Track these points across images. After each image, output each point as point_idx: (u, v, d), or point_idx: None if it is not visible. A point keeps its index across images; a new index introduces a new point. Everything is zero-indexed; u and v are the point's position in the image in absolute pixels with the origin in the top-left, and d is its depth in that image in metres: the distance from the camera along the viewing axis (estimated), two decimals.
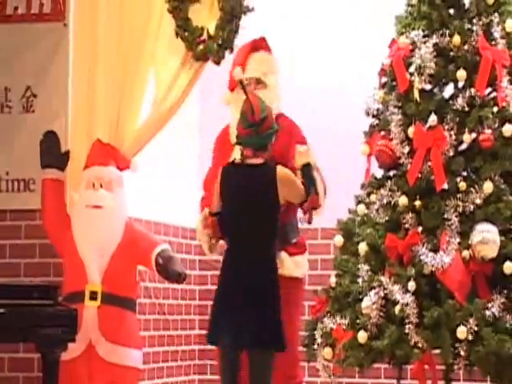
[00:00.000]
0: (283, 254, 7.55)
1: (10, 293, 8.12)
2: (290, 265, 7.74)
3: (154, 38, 8.94)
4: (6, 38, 9.42)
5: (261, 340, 7.88)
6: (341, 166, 9.78)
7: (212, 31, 8.77)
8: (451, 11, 9.03)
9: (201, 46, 8.71)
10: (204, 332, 9.82)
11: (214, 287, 8.72)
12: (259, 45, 7.47)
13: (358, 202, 9.09)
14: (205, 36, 8.74)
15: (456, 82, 8.89)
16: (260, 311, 7.89)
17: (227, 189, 8.02)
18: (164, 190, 9.34)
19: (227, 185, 7.97)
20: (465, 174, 8.76)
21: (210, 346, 9.50)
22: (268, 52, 7.63)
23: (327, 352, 8.63)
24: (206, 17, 8.79)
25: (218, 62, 8.38)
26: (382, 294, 8.39)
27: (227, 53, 8.34)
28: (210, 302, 9.09)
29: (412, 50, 9.03)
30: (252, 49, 7.36)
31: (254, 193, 7.98)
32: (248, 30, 8.60)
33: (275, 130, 7.92)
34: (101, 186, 8.18)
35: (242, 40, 8.50)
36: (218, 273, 8.55)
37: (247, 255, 7.96)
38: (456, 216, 8.61)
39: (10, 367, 9.26)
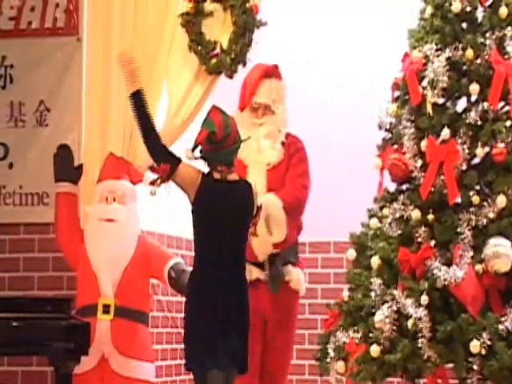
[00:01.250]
0: (299, 270, 7.39)
1: (24, 306, 8.11)
2: (302, 281, 7.57)
3: (167, 52, 8.94)
4: (20, 52, 9.45)
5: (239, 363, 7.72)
6: (354, 180, 9.72)
7: (225, 45, 8.73)
8: (464, 25, 9.04)
9: (214, 60, 8.68)
10: None
11: None
12: (272, 72, 7.53)
13: (371, 216, 9.11)
14: (218, 50, 8.71)
15: (469, 95, 8.86)
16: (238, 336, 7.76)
17: (208, 202, 7.83)
18: (176, 203, 9.28)
19: (208, 198, 7.79)
20: (478, 187, 8.71)
21: None
22: (279, 79, 7.67)
23: (340, 366, 8.65)
24: (219, 31, 8.78)
25: (231, 76, 8.38)
26: (395, 308, 8.40)
27: (240, 67, 8.27)
28: None
29: (425, 64, 9.04)
30: (264, 75, 7.42)
31: (235, 209, 7.86)
32: (262, 44, 8.54)
33: (239, 145, 7.81)
34: (114, 200, 8.19)
35: (255, 54, 8.43)
36: None
37: (226, 272, 7.74)
38: (469, 230, 8.59)
39: (24, 380, 9.22)
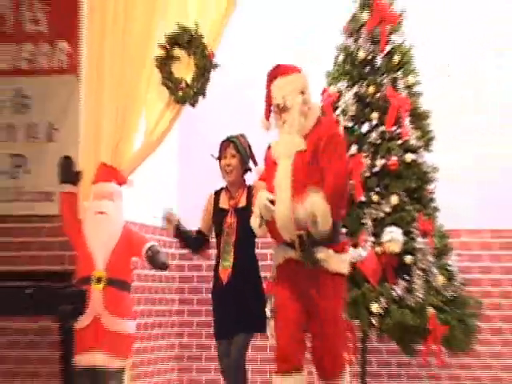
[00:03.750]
0: (331, 252, 6.44)
1: (36, 278, 8.26)
2: (337, 262, 6.58)
3: (146, 86, 9.11)
4: (35, 86, 9.52)
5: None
6: None
7: (189, 81, 8.90)
8: (367, 69, 9.55)
9: (180, 93, 8.83)
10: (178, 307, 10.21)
11: (191, 274, 8.83)
12: (274, 73, 6.68)
13: None
14: (183, 85, 8.85)
15: (370, 121, 9.45)
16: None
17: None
18: (152, 199, 9.44)
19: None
20: (377, 189, 9.26)
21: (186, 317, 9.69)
22: (283, 75, 6.64)
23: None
24: (184, 71, 8.93)
25: (193, 105, 8.67)
26: None
27: (201, 98, 8.46)
28: (187, 285, 9.21)
29: (338, 97, 9.43)
30: (270, 80, 6.68)
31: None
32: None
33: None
34: (104, 197, 8.29)
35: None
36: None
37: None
38: (370, 221, 9.19)
39: (37, 334, 9.38)
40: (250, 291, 6.91)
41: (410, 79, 9.33)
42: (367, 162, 9.12)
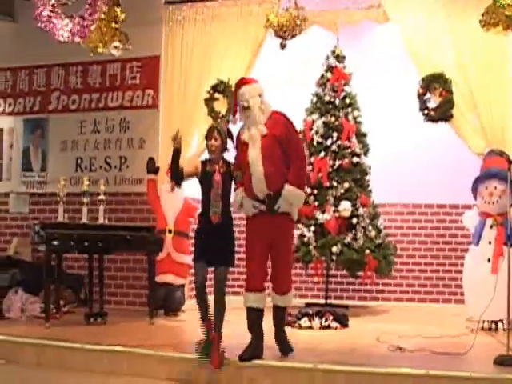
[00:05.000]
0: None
1: (134, 230, 8.26)
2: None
3: (198, 116, 9.11)
4: (133, 115, 9.58)
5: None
6: None
7: (224, 113, 8.88)
8: (330, 106, 9.38)
9: (219, 120, 8.79)
10: None
11: None
12: (239, 84, 6.13)
13: None
14: (220, 115, 8.84)
15: (332, 137, 9.29)
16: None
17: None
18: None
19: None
20: (336, 179, 9.17)
21: None
22: (245, 85, 6.06)
23: None
24: (221, 107, 8.89)
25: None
26: (300, 232, 8.74)
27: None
28: None
29: (312, 123, 9.40)
30: (237, 88, 6.12)
31: None
32: None
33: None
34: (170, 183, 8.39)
35: None
36: None
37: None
38: (332, 197, 9.06)
39: (134, 263, 9.38)
40: (229, 231, 6.18)
41: (356, 113, 9.31)
42: (330, 162, 9.09)
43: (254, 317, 6.04)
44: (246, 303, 6.05)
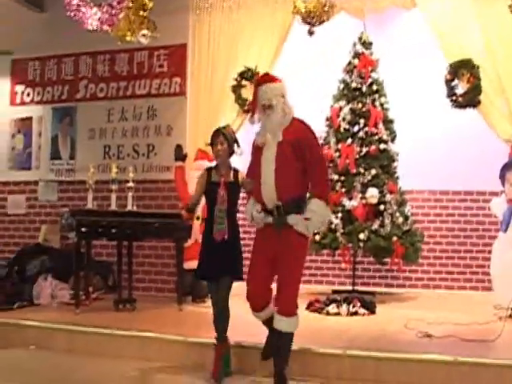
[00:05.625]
0: (299, 218, 5.42)
1: (162, 216, 8.27)
2: (303, 226, 5.45)
3: (225, 103, 9.08)
4: (162, 103, 9.60)
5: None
6: None
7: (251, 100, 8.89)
8: (357, 93, 9.32)
9: (246, 107, 8.76)
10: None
11: None
12: (262, 80, 5.68)
13: None
14: (249, 102, 8.79)
15: (359, 124, 9.24)
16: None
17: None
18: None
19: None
20: (363, 165, 9.14)
21: None
22: (268, 82, 5.60)
23: None
24: (248, 94, 8.84)
25: (253, 113, 8.48)
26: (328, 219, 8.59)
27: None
28: None
29: (340, 109, 9.36)
30: (258, 85, 5.64)
31: None
32: None
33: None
34: (200, 169, 8.28)
35: None
36: None
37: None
38: (359, 184, 9.06)
39: (162, 250, 9.40)
40: (235, 247, 5.74)
41: (383, 99, 9.28)
42: (357, 149, 9.06)
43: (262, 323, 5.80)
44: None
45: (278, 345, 5.56)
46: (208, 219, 5.85)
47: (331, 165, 9.14)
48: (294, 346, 5.53)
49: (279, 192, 5.47)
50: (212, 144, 5.91)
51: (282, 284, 5.51)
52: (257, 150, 5.69)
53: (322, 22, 8.06)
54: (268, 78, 5.79)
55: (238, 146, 5.89)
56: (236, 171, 5.85)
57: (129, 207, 8.23)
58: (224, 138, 5.81)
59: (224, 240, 5.67)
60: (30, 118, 10.72)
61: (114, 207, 8.15)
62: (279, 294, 5.52)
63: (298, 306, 5.58)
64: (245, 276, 5.74)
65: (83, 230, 7.75)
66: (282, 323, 5.48)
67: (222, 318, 5.78)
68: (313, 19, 8.03)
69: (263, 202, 5.58)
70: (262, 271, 5.57)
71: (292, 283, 5.55)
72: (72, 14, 7.73)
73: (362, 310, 7.74)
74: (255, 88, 5.76)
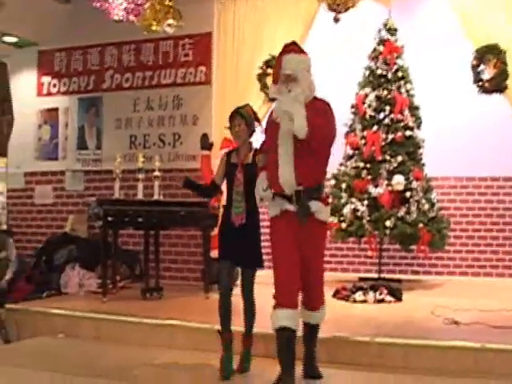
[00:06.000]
0: (321, 205, 4.96)
1: (188, 205, 8.27)
2: (325, 212, 5.07)
3: (250, 91, 9.07)
4: (186, 92, 9.65)
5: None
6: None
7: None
8: (382, 80, 9.24)
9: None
10: None
11: None
12: (288, 49, 5.06)
13: (341, 165, 9.35)
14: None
15: (385, 111, 9.19)
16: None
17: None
18: None
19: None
20: (389, 152, 9.06)
21: None
22: (296, 53, 5.05)
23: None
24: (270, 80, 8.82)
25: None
26: (353, 207, 8.67)
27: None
28: None
29: (366, 96, 9.29)
30: (283, 53, 5.04)
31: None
32: None
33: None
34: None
35: None
36: None
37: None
38: (385, 171, 9.00)
39: (189, 238, 9.42)
40: (255, 233, 5.44)
41: (408, 86, 9.20)
42: (383, 136, 8.99)
43: (285, 339, 4.97)
44: (275, 323, 4.96)
45: (309, 337, 5.35)
46: (227, 203, 5.58)
47: (357, 152, 9.16)
48: (322, 334, 5.48)
49: (299, 173, 4.93)
50: (230, 128, 5.61)
51: (313, 275, 5.15)
52: (272, 125, 5.14)
53: (347, 9, 7.96)
54: (295, 48, 5.21)
55: (260, 123, 5.58)
56: (256, 151, 5.45)
57: (155, 196, 8.25)
58: (241, 118, 5.51)
59: (242, 225, 5.37)
60: (56, 109, 10.79)
61: (140, 196, 8.19)
62: (310, 286, 5.16)
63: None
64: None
65: (110, 219, 7.81)
66: (317, 317, 5.29)
67: (250, 314, 5.55)
68: (338, 6, 7.96)
69: (279, 186, 5.02)
70: (291, 258, 4.98)
71: (321, 276, 5.29)
72: (98, 4, 7.71)
73: (388, 298, 7.75)
74: (279, 56, 5.18)
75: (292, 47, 5.20)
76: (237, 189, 5.42)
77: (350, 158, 9.25)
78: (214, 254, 8.34)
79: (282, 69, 5.05)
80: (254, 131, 5.60)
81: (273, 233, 5.14)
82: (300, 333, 5.20)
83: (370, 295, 7.76)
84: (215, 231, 8.51)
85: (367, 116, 9.15)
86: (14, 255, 8.52)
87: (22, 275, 8.63)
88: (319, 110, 5.02)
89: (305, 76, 5.04)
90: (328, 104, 5.16)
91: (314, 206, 5.01)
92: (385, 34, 9.39)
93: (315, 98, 5.11)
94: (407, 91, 9.22)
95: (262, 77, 9.14)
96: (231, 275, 5.51)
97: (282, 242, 5.05)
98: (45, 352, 6.33)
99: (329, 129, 5.06)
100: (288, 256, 4.98)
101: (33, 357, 6.15)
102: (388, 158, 8.96)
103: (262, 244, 5.52)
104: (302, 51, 5.21)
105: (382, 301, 7.69)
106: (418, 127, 9.29)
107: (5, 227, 10.45)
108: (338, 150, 8.93)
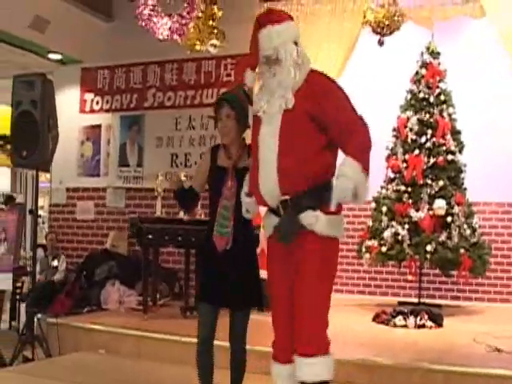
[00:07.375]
0: (319, 214, 3.73)
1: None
2: (326, 224, 3.75)
3: None
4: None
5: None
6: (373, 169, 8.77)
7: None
8: (424, 103, 9.20)
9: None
10: None
11: None
12: (263, 20, 3.87)
13: (382, 188, 9.27)
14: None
15: (427, 135, 9.11)
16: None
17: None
18: None
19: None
20: (431, 176, 9.00)
21: None
22: (275, 23, 3.82)
23: (367, 256, 8.89)
24: None
25: None
26: (393, 230, 8.66)
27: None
28: None
29: (407, 120, 9.22)
30: (258, 27, 3.85)
31: None
32: None
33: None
34: None
35: None
36: None
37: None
38: (427, 195, 8.91)
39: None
40: (248, 262, 4.33)
41: (450, 110, 9.16)
42: (425, 160, 8.95)
43: None
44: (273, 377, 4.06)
45: None
46: (210, 219, 4.42)
47: (398, 175, 9.12)
48: (362, 356, 5.47)
49: (283, 181, 3.78)
50: (215, 119, 4.39)
51: (303, 307, 3.82)
52: (255, 122, 4.02)
53: (392, 32, 8.04)
54: (273, 17, 3.96)
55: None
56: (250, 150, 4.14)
57: (196, 215, 8.27)
58: (230, 108, 4.31)
59: (226, 251, 4.23)
60: (98, 126, 10.96)
61: (181, 215, 8.24)
62: (300, 323, 3.82)
63: (330, 342, 3.89)
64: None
65: (150, 237, 7.91)
66: (307, 369, 3.78)
67: (238, 373, 4.57)
68: (383, 29, 8.02)
69: (260, 196, 3.90)
70: (285, 297, 3.90)
71: (315, 308, 3.82)
72: (143, 23, 7.86)
73: (429, 323, 7.69)
74: (254, 33, 3.96)
75: (267, 16, 4.00)
76: (225, 202, 4.27)
77: (391, 181, 9.19)
78: (263, 273, 8.37)
79: (259, 50, 3.91)
80: (248, 126, 4.38)
81: (267, 262, 4.07)
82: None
83: (411, 320, 7.71)
84: (258, 250, 8.54)
85: (409, 139, 9.10)
86: (64, 267, 8.69)
87: (63, 288, 8.78)
88: (315, 84, 3.87)
89: (289, 50, 3.88)
90: (324, 74, 4.00)
91: (308, 217, 3.82)
92: (427, 57, 9.35)
93: (311, 72, 3.95)
94: (449, 115, 9.17)
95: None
96: (212, 324, 4.43)
97: (270, 277, 4.05)
98: (85, 366, 6.42)
99: (339, 94, 3.90)
100: (277, 302, 3.98)
101: (72, 371, 6.23)
102: (429, 182, 8.90)
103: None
104: (280, 18, 3.99)
105: (422, 326, 7.63)
106: (460, 152, 9.23)
107: (44, 242, 10.58)
108: (380, 173, 9.00)
